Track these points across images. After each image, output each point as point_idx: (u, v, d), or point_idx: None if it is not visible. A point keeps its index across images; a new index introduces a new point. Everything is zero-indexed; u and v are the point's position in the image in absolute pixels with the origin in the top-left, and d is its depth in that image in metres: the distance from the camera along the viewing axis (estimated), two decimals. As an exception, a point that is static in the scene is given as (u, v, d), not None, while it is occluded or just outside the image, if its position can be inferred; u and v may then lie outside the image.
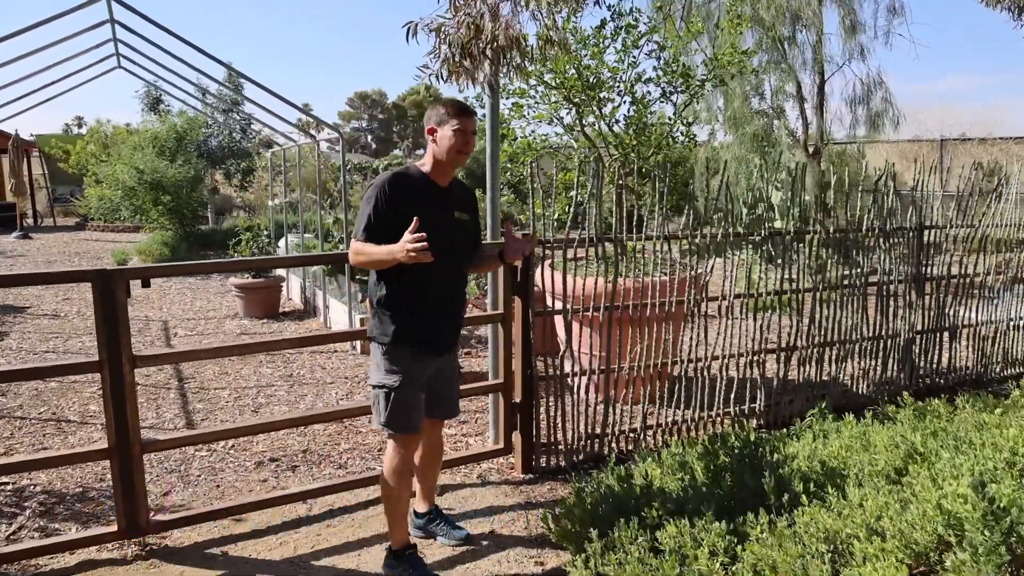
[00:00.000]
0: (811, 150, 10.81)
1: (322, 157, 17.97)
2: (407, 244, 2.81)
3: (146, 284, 3.32)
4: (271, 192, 12.08)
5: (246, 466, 4.48)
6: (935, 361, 5.94)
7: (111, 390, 3.27)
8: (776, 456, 3.56)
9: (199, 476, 4.35)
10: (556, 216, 4.27)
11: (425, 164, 3.20)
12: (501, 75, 4.36)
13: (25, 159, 19.97)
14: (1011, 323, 6.33)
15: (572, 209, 4.35)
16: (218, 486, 4.23)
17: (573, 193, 4.39)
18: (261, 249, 9.36)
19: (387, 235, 2.97)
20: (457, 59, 3.43)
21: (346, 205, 7.25)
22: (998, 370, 6.32)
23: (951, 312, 5.96)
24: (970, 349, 6.18)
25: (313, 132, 8.39)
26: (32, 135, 24.02)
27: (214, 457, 4.58)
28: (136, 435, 3.37)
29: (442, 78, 3.49)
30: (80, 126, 37.05)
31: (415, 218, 2.86)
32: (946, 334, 5.99)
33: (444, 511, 3.70)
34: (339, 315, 7.78)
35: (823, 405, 4.70)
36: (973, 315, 6.13)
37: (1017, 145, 15.17)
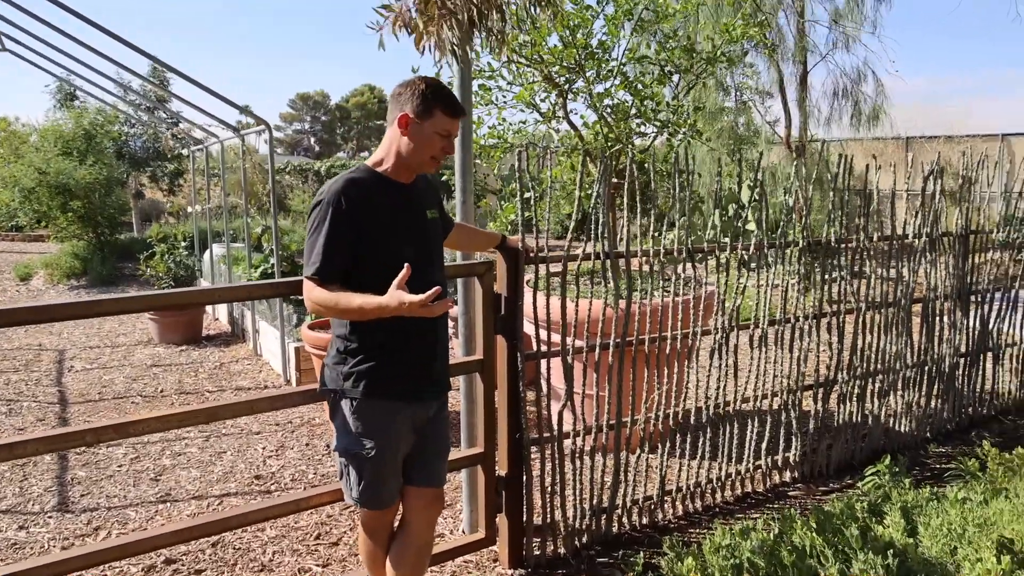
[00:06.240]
0: (792, 147, 9.97)
1: (257, 156, 16.57)
2: (410, 300, 2.01)
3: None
4: (194, 196, 10.71)
5: (131, 574, 3.26)
6: (978, 388, 5.06)
7: None
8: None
9: (62, 591, 3.13)
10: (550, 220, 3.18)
11: (384, 161, 2.34)
12: (475, 41, 3.28)
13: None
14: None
15: (577, 213, 3.27)
16: (87, 608, 3.02)
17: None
18: (178, 263, 8.03)
19: (351, 264, 2.22)
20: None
21: (275, 210, 6.03)
22: (1040, 393, 5.49)
23: (995, 330, 5.09)
24: (1012, 372, 5.32)
25: (235, 124, 7.13)
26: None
27: (89, 557, 3.35)
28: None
29: (410, 30, 2.38)
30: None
31: (407, 265, 2.07)
32: (989, 356, 5.12)
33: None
34: (270, 341, 6.56)
35: (887, 461, 3.72)
36: (1016, 332, 5.27)
37: (984, 143, 14.75)
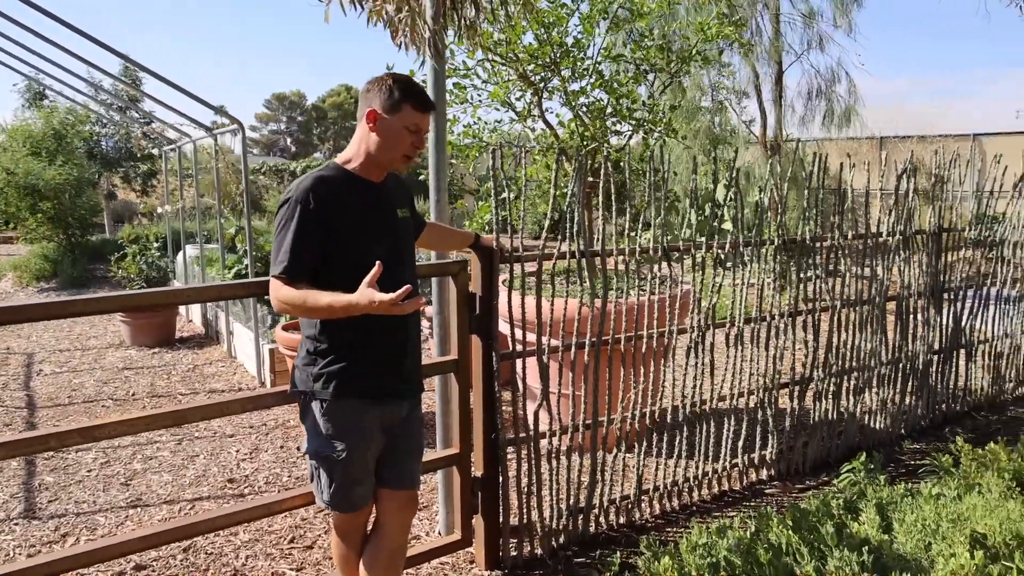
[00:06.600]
0: (768, 146, 10.04)
1: (231, 156, 16.38)
2: (380, 298, 1.96)
3: None
4: (166, 197, 10.56)
5: (99, 580, 3.20)
6: (951, 384, 5.11)
7: None
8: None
9: (27, 600, 3.05)
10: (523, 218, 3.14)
11: (353, 159, 2.29)
12: (449, 36, 3.25)
13: None
14: (1024, 336, 5.56)
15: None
16: (53, 617, 2.94)
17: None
18: (150, 264, 7.91)
19: (320, 263, 2.17)
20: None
21: (248, 210, 5.95)
22: (1011, 389, 5.56)
23: (967, 327, 5.14)
24: (984, 368, 5.38)
25: (209, 125, 7.03)
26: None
27: (55, 565, 3.27)
28: None
29: (358, 3, 2.35)
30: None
31: (378, 263, 2.02)
32: (962, 352, 5.17)
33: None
34: (245, 343, 6.48)
35: (863, 458, 3.74)
36: (988, 329, 5.33)
37: (956, 142, 14.97)
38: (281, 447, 4.68)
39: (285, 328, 5.36)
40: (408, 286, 1.96)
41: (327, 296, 2.06)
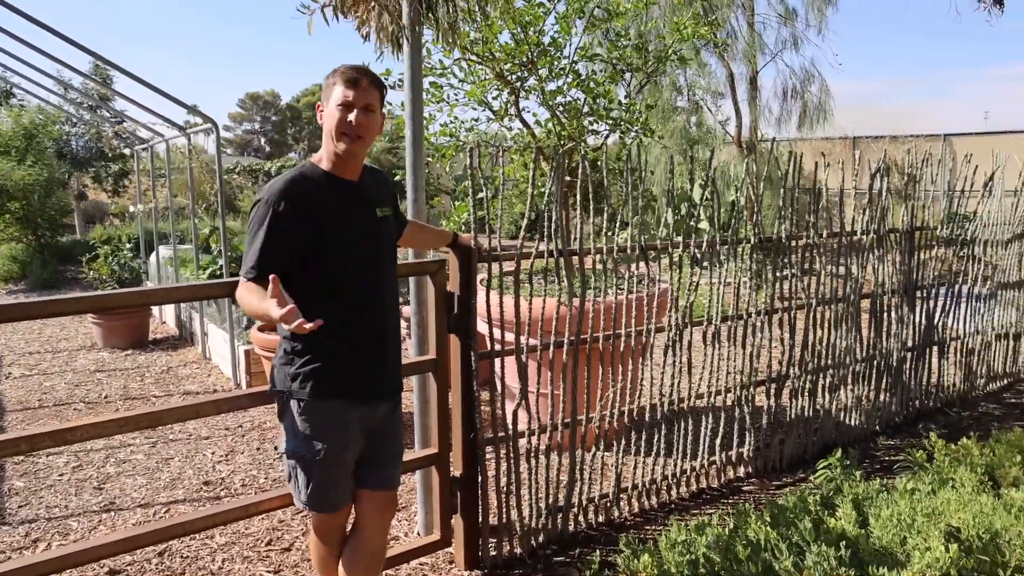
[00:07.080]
0: (743, 146, 10.12)
1: (205, 156, 16.19)
2: (276, 314, 1.89)
3: None
4: (139, 197, 10.41)
5: (71, 586, 3.13)
6: (925, 381, 5.17)
7: None
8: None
9: (-4, 608, 2.98)
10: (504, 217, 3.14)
11: (323, 159, 2.28)
12: (425, 26, 3.23)
13: None
14: (994, 333, 5.66)
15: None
16: (23, 625, 2.88)
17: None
18: (123, 265, 7.79)
19: (290, 264, 2.14)
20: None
21: (223, 211, 5.88)
22: (982, 384, 5.64)
23: (940, 324, 5.21)
24: (956, 365, 5.46)
25: (182, 124, 6.95)
26: None
27: (26, 571, 3.20)
28: None
29: (341, 12, 2.33)
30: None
31: (273, 277, 1.92)
32: (935, 349, 5.24)
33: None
34: (220, 344, 6.40)
35: (838, 454, 3.78)
36: (960, 326, 5.41)
37: (927, 142, 15.19)
38: (257, 449, 4.62)
39: (261, 329, 5.30)
40: (292, 306, 1.90)
41: (255, 299, 2.05)
